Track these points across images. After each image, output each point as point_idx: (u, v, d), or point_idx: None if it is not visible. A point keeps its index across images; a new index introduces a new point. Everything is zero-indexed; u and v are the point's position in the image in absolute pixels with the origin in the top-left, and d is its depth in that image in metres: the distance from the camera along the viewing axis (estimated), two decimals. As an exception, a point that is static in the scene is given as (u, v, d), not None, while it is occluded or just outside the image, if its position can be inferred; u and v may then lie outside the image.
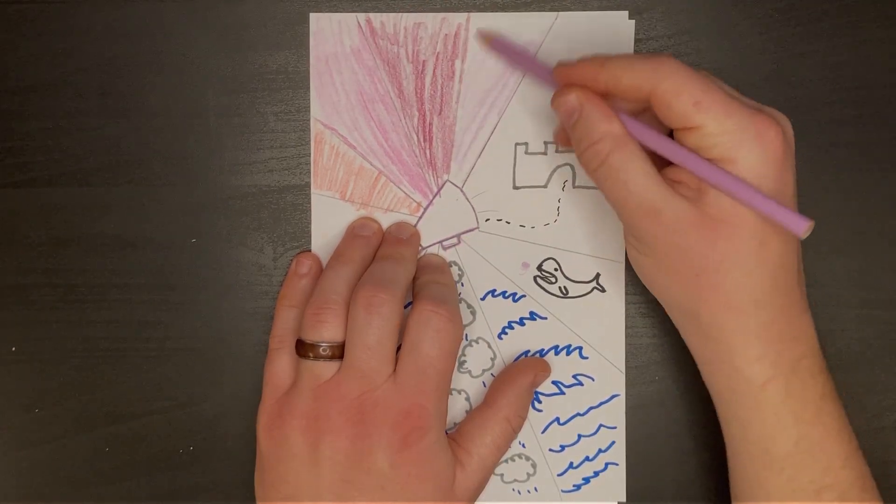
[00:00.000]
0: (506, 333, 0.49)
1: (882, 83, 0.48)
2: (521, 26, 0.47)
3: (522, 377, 0.47)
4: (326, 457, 0.43)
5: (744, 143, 0.39)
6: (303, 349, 0.44)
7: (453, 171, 0.48)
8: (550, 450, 0.49)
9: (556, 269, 0.49)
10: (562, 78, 0.42)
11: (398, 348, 0.44)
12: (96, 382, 0.49)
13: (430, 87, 0.48)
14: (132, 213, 0.49)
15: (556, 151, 0.48)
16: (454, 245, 0.49)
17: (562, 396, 0.49)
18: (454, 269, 0.49)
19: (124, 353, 0.49)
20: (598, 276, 0.49)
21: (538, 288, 0.49)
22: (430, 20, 0.47)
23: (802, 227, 0.38)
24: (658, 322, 0.49)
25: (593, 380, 0.49)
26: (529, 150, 0.48)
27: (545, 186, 0.48)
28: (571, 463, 0.50)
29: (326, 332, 0.44)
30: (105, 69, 0.48)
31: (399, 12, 0.47)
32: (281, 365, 0.46)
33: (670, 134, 0.41)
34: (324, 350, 0.43)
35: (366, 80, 0.48)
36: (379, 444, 0.42)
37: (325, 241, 0.48)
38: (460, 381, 0.49)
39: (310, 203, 0.48)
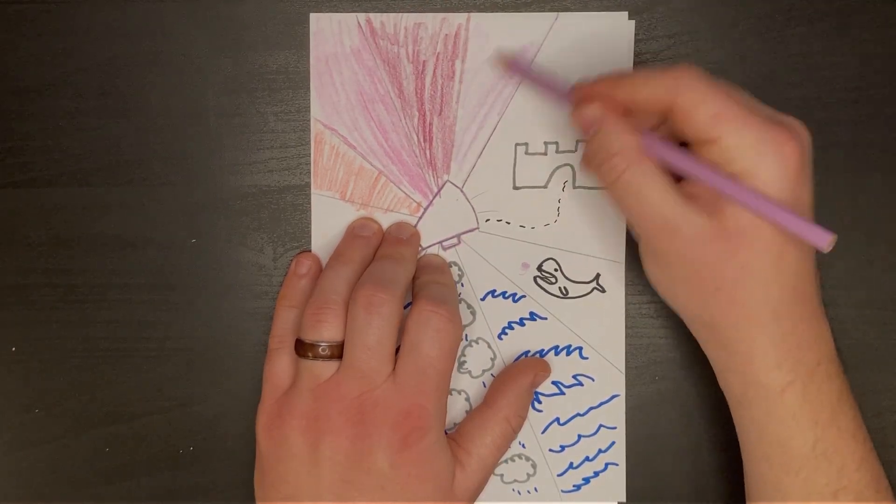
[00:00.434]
0: (506, 334, 0.49)
1: (882, 83, 0.48)
2: (521, 26, 0.47)
3: (522, 377, 0.47)
4: (326, 457, 0.43)
5: (762, 156, 0.39)
6: (302, 349, 0.44)
7: (453, 172, 0.48)
8: (550, 450, 0.49)
9: (556, 270, 0.49)
10: (580, 95, 0.42)
11: (398, 348, 0.44)
12: (96, 382, 0.49)
13: (430, 88, 0.48)
14: (132, 213, 0.49)
15: (557, 152, 0.48)
16: (454, 245, 0.49)
17: (562, 396, 0.49)
18: (454, 270, 0.49)
19: (124, 353, 0.49)
20: (598, 276, 0.49)
21: (538, 288, 0.49)
22: (431, 20, 0.47)
23: (826, 240, 0.38)
24: (658, 322, 0.49)
25: (593, 380, 0.49)
26: (529, 151, 0.48)
27: (545, 187, 0.48)
28: (571, 463, 0.50)
29: (326, 332, 0.44)
30: (105, 69, 0.48)
31: (399, 12, 0.47)
32: (280, 365, 0.46)
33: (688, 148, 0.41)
34: (323, 350, 0.43)
35: (366, 80, 0.48)
36: (379, 445, 0.42)
37: (325, 241, 0.48)
38: (460, 381, 0.49)
39: (310, 203, 0.48)
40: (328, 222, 0.48)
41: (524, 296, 0.49)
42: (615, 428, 0.49)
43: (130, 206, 0.49)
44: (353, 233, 0.48)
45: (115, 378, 0.49)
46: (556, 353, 0.49)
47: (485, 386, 0.49)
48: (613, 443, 0.49)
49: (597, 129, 0.41)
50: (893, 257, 0.49)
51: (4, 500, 0.49)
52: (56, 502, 0.50)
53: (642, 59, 0.48)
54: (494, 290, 0.49)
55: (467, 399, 0.49)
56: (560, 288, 0.49)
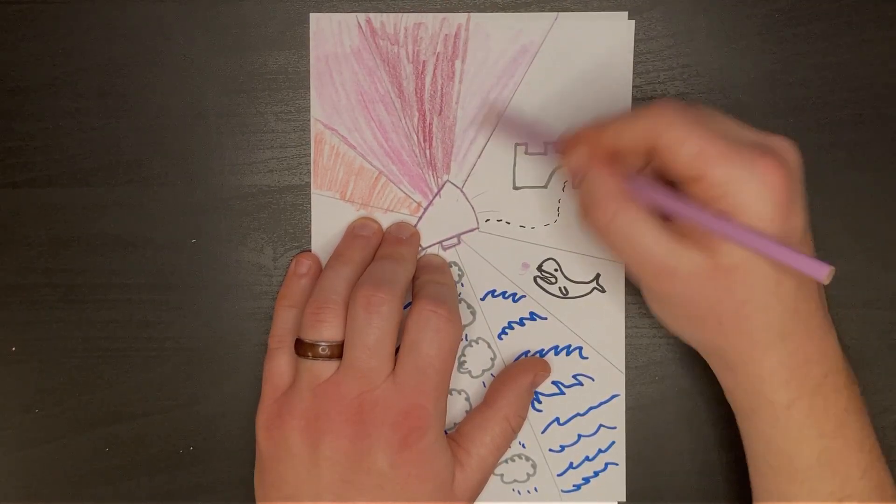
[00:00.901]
0: (506, 334, 0.49)
1: (882, 83, 0.48)
2: (521, 26, 0.47)
3: (522, 377, 0.47)
4: (326, 457, 0.43)
5: (749, 190, 0.39)
6: (302, 348, 0.44)
7: (453, 172, 0.48)
8: (550, 450, 0.49)
9: (556, 270, 0.49)
10: (565, 144, 0.43)
11: (397, 348, 0.44)
12: (96, 382, 0.49)
13: (430, 88, 0.48)
14: (132, 213, 0.49)
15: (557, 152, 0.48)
16: (454, 245, 0.49)
17: (562, 396, 0.49)
18: (454, 270, 0.49)
19: (124, 353, 0.49)
20: (598, 276, 0.49)
21: (538, 288, 0.49)
22: (430, 20, 0.47)
23: (823, 273, 0.38)
24: (657, 323, 0.49)
25: (593, 380, 0.49)
26: (529, 151, 0.48)
27: (545, 187, 0.48)
28: (571, 463, 0.50)
29: (326, 332, 0.44)
30: (105, 69, 0.48)
31: (399, 12, 0.47)
32: (280, 365, 0.46)
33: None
34: (323, 350, 0.43)
35: (366, 80, 0.48)
36: (378, 444, 0.42)
37: (325, 241, 0.48)
38: (460, 381, 0.49)
39: (310, 203, 0.48)
40: (328, 222, 0.48)
41: (524, 296, 0.49)
42: (615, 428, 0.49)
43: (130, 206, 0.49)
44: (353, 232, 0.48)
45: (115, 378, 0.49)
46: (556, 353, 0.49)
47: (485, 386, 0.49)
48: (613, 443, 0.49)
49: (583, 177, 0.42)
50: (893, 257, 0.49)
51: (4, 500, 0.49)
52: (56, 502, 0.50)
53: (642, 59, 0.48)
54: (494, 290, 0.49)
55: (467, 399, 0.49)
56: (560, 288, 0.49)
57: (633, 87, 0.48)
